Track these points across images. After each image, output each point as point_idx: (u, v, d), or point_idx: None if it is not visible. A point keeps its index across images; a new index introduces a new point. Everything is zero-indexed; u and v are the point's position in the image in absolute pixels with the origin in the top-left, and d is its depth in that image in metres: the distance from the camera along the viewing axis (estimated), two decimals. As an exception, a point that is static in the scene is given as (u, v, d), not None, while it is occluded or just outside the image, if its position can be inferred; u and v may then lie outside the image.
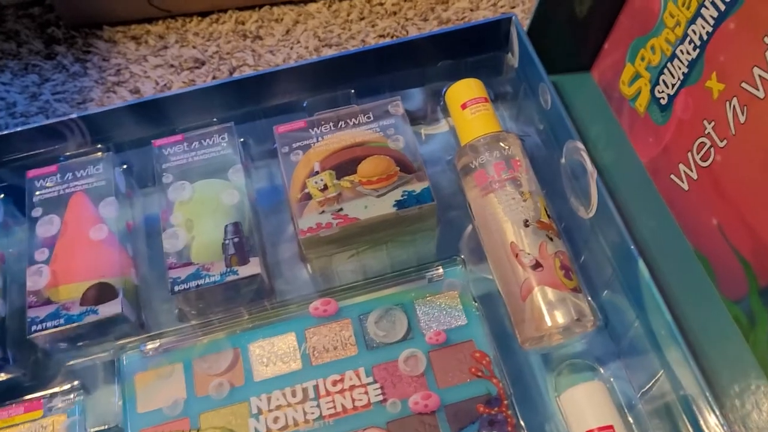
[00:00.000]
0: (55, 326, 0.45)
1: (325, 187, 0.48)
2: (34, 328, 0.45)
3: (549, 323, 0.44)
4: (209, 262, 0.47)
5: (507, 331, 0.47)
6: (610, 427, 0.42)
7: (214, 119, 0.54)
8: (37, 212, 0.49)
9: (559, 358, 0.47)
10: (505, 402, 0.44)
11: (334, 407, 0.44)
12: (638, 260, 0.43)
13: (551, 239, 0.46)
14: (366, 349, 0.46)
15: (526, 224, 0.47)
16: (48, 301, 0.46)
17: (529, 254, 0.46)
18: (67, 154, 0.53)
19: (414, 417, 0.44)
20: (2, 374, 0.46)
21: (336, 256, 0.50)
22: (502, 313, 0.48)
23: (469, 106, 0.51)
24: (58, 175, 0.51)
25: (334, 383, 0.45)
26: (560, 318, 0.44)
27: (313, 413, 0.44)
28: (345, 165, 0.49)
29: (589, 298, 0.47)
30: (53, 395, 0.45)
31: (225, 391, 0.45)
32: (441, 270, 0.49)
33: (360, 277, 0.50)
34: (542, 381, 0.47)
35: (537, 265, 0.45)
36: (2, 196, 0.53)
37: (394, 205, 0.47)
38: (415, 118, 0.57)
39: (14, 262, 0.51)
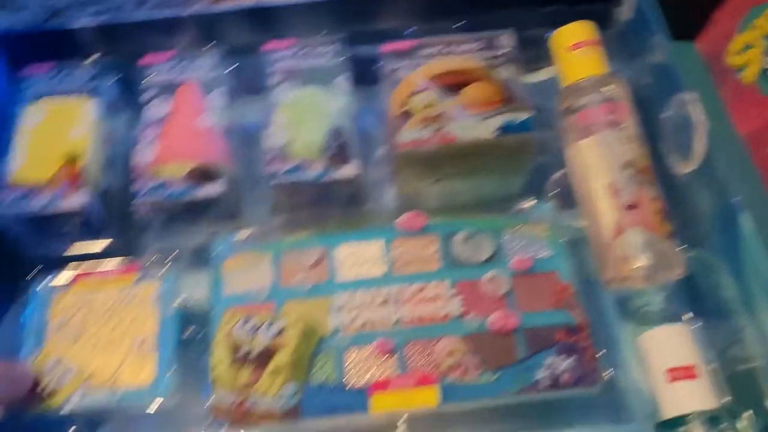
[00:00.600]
0: (158, 199, 0.46)
1: (428, 106, 0.49)
2: (137, 199, 0.47)
3: (638, 263, 0.44)
4: (309, 160, 0.48)
5: (589, 279, 0.48)
6: (692, 367, 0.42)
7: (323, 32, 0.55)
8: (148, 96, 0.51)
9: (639, 306, 0.47)
10: (585, 332, 0.44)
11: (413, 314, 0.45)
12: (742, 212, 0.43)
13: (650, 184, 0.46)
14: (450, 265, 0.47)
15: (626, 167, 0.47)
16: (153, 177, 0.47)
17: (626, 195, 0.46)
18: (180, 47, 0.54)
19: (491, 334, 0.44)
20: (101, 240, 0.48)
21: (426, 180, 0.51)
22: (584, 259, 0.48)
23: (578, 48, 0.51)
24: (171, 63, 0.52)
25: (416, 292, 0.46)
26: (650, 259, 0.44)
27: (391, 318, 0.45)
28: (450, 87, 0.50)
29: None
30: (147, 264, 0.47)
31: (309, 286, 0.46)
32: (532, 203, 0.49)
33: (448, 202, 0.51)
34: (620, 325, 0.47)
35: (633, 206, 0.45)
36: (115, 79, 0.55)
37: (494, 131, 0.48)
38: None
39: (121, 142, 0.53)
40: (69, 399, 0.43)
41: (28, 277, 0.47)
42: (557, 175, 0.52)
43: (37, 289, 0.47)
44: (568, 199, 0.50)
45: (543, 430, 0.45)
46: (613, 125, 0.48)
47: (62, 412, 0.43)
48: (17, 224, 0.48)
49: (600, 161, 0.47)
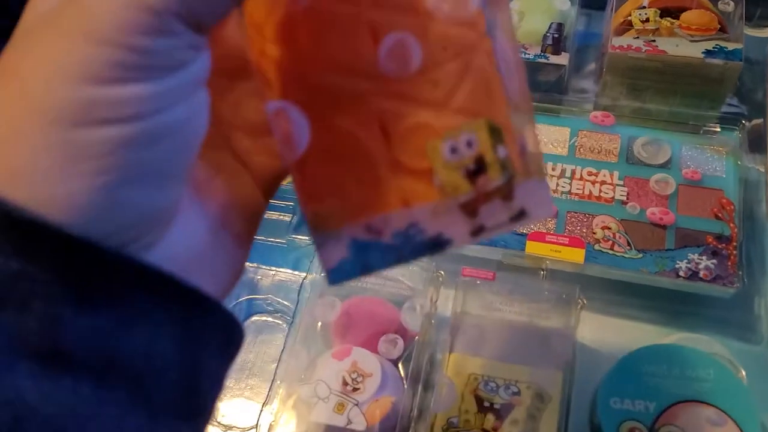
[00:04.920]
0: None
1: (647, 20, 0.54)
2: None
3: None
4: (528, 43, 0.56)
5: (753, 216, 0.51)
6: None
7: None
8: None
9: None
10: (735, 243, 0.48)
11: (582, 190, 0.52)
12: None
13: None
14: (625, 162, 0.53)
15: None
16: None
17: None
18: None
19: (646, 224, 0.50)
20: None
21: (628, 87, 0.56)
22: (755, 201, 0.52)
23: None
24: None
25: (590, 173, 0.52)
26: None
27: (563, 188, 0.52)
28: (671, 9, 0.54)
29: None
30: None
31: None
32: (718, 128, 0.53)
33: (641, 114, 0.56)
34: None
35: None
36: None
37: (703, 53, 0.52)
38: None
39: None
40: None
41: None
42: (753, 122, 0.55)
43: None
44: (756, 145, 0.54)
45: (674, 327, 0.49)
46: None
47: None
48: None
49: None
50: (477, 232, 0.22)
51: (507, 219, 0.22)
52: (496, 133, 0.21)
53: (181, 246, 0.21)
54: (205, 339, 0.21)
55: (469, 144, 0.21)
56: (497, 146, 0.21)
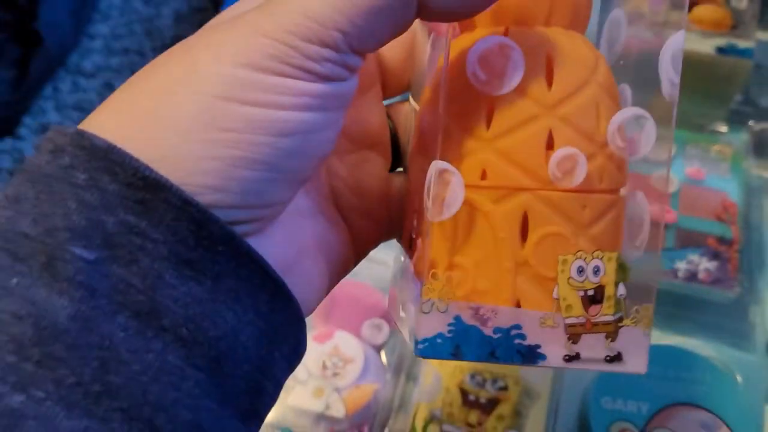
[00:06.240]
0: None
1: (657, 13, 0.53)
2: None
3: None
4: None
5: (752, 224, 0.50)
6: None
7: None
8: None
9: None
10: (736, 246, 0.47)
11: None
12: None
13: None
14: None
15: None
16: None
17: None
18: None
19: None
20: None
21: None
22: (757, 207, 0.50)
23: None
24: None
25: (590, 166, 0.51)
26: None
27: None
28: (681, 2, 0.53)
29: None
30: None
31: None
32: (725, 128, 0.52)
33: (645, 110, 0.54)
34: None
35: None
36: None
37: (713, 49, 0.51)
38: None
39: None
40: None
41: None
42: (758, 125, 0.54)
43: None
44: (762, 149, 0.52)
45: (669, 330, 0.48)
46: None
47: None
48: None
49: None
50: (572, 358, 0.23)
51: (603, 357, 0.23)
52: (623, 271, 0.23)
53: (274, 250, 0.22)
54: (280, 338, 0.21)
55: (596, 271, 0.23)
56: (620, 283, 0.23)
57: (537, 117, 0.23)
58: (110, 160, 0.18)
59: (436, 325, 0.22)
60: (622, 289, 0.23)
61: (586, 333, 0.22)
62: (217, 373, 0.19)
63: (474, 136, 0.23)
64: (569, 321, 0.22)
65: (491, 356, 0.22)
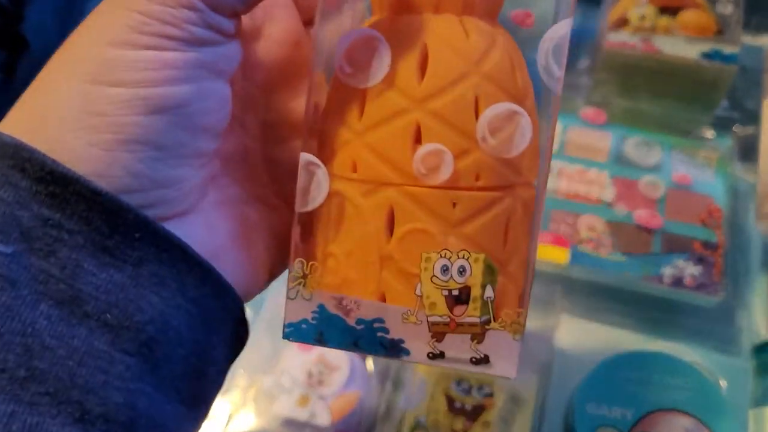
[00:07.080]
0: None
1: (643, 18, 0.53)
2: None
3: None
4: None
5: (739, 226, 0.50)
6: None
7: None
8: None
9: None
10: (721, 250, 0.47)
11: (568, 188, 0.50)
12: None
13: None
14: (615, 162, 0.51)
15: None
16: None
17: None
18: None
19: (633, 226, 0.48)
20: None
21: (621, 87, 0.54)
22: (741, 210, 0.50)
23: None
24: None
25: (577, 172, 0.51)
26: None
27: (549, 185, 0.50)
28: (669, 8, 0.53)
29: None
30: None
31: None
32: (711, 134, 0.52)
33: (633, 115, 0.54)
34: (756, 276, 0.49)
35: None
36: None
37: (699, 54, 0.51)
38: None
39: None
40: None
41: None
42: (743, 129, 0.54)
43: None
44: (747, 154, 0.52)
45: (655, 335, 0.48)
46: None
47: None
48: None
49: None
50: (435, 356, 0.22)
51: (468, 358, 0.22)
52: (490, 273, 0.22)
53: (198, 237, 0.22)
54: (216, 324, 0.21)
55: (462, 271, 0.22)
56: (487, 286, 0.22)
57: (405, 111, 0.22)
58: (20, 157, 0.19)
59: (301, 312, 0.23)
60: (489, 292, 0.22)
61: (450, 333, 0.22)
62: (149, 357, 0.19)
63: (348, 128, 0.23)
64: (433, 319, 0.22)
65: (354, 346, 0.22)
